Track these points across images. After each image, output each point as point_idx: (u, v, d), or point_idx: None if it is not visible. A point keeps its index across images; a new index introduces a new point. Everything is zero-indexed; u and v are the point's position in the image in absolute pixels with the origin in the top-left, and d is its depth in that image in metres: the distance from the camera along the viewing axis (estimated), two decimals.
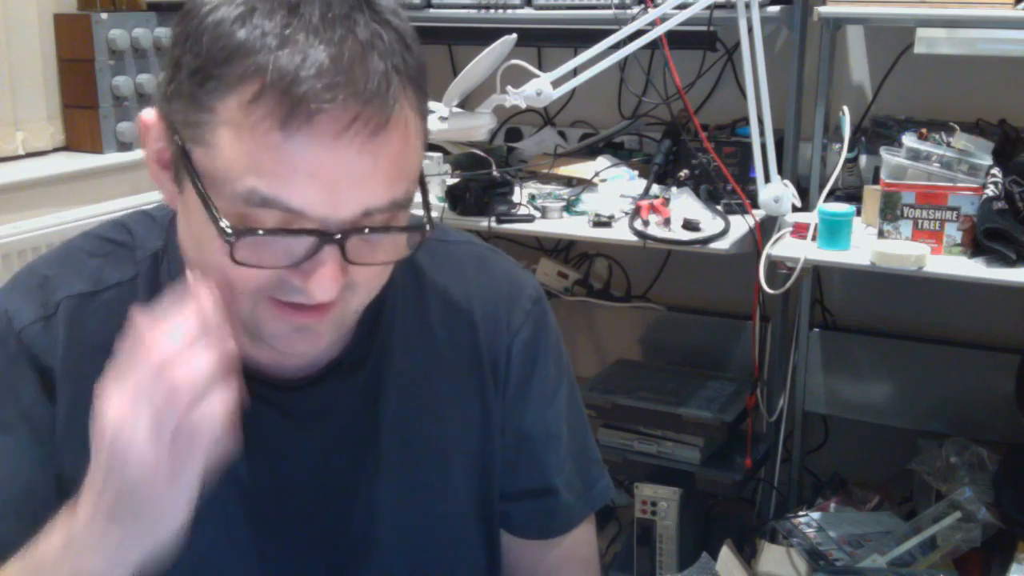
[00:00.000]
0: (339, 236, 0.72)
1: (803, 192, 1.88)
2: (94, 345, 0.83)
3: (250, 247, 0.72)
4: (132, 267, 0.87)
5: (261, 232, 0.71)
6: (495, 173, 1.97)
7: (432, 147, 2.10)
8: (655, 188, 1.97)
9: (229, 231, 0.71)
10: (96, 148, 2.20)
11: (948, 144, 1.70)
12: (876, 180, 1.83)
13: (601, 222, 1.86)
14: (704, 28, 1.88)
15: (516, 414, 0.96)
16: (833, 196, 1.87)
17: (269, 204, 0.71)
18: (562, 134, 2.38)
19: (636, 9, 1.90)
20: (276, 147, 0.69)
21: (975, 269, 1.62)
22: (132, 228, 0.91)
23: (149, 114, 0.78)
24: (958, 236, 1.65)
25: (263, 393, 0.85)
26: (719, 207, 1.88)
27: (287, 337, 0.78)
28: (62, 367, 0.84)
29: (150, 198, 1.96)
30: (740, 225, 1.83)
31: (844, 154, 1.82)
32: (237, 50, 0.70)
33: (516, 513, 0.99)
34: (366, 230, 0.73)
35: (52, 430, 0.85)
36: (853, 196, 1.86)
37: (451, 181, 1.99)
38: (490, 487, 0.96)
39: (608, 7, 1.95)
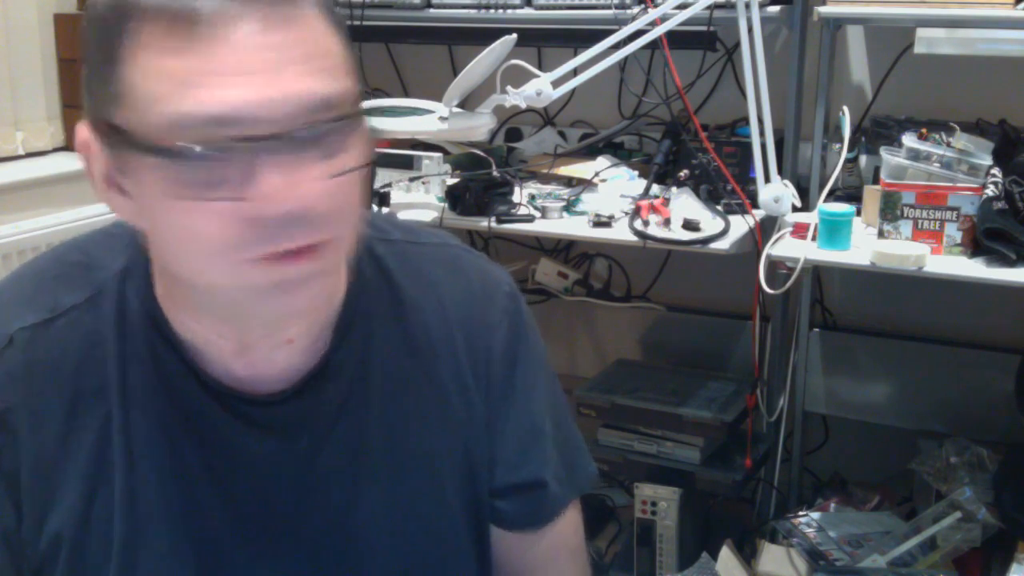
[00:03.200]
0: (273, 138, 0.70)
1: (803, 192, 1.88)
2: (55, 372, 0.82)
3: (190, 178, 0.70)
4: (88, 287, 0.85)
5: (198, 149, 0.69)
6: (495, 173, 1.97)
7: (432, 147, 2.10)
8: (655, 188, 1.97)
9: (162, 151, 0.69)
10: None
11: (948, 144, 1.70)
12: (876, 180, 1.83)
13: (601, 222, 1.86)
14: (704, 28, 1.88)
15: (500, 412, 0.96)
16: (833, 196, 1.87)
17: (200, 123, 0.68)
18: (562, 134, 2.38)
19: (636, 9, 1.90)
20: (185, 65, 0.69)
21: (975, 269, 1.62)
22: (88, 248, 0.88)
23: (82, 131, 0.76)
24: (958, 236, 1.65)
25: (243, 410, 0.84)
26: (719, 207, 1.88)
27: (273, 297, 0.74)
28: (21, 399, 0.82)
29: None
30: (740, 225, 1.83)
31: (844, 154, 1.82)
32: (116, 7, 0.71)
33: (505, 508, 0.99)
34: (301, 125, 0.71)
35: (16, 527, 0.83)
36: (853, 196, 1.86)
37: (451, 181, 1.99)
38: (477, 486, 0.96)
39: (608, 7, 1.95)
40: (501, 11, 2.08)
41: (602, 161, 2.10)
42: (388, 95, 2.42)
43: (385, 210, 1.93)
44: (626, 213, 1.87)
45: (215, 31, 0.69)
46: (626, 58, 1.78)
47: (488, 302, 0.96)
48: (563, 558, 1.04)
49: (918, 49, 1.88)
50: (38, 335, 0.83)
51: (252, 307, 0.76)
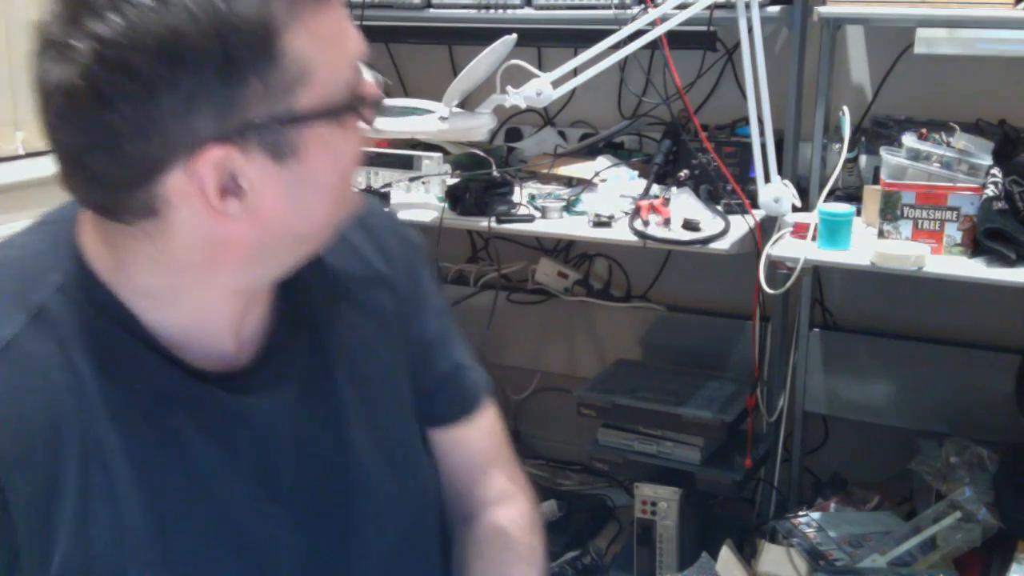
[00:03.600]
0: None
1: (803, 192, 1.88)
2: (21, 417, 0.75)
3: (354, 122, 0.80)
4: (23, 314, 0.78)
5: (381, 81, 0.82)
6: (495, 173, 1.97)
7: (432, 147, 2.10)
8: (655, 188, 1.97)
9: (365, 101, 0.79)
10: None
11: (948, 144, 1.70)
12: (876, 180, 1.83)
13: (601, 222, 1.86)
14: (704, 28, 1.88)
15: (419, 322, 1.02)
16: (833, 196, 1.87)
17: (360, 61, 0.79)
18: (562, 134, 2.38)
19: (636, 9, 1.90)
20: (330, 22, 0.76)
21: (975, 269, 1.62)
22: (18, 267, 0.82)
23: (205, 158, 0.72)
24: (958, 236, 1.65)
25: (232, 383, 0.84)
26: (719, 207, 1.88)
27: (354, 201, 0.86)
28: (4, 466, 0.75)
29: None
30: (740, 225, 1.83)
31: (844, 154, 1.82)
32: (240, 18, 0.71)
33: (437, 402, 1.04)
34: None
35: None
36: (853, 196, 1.86)
37: (451, 181, 1.99)
38: (417, 399, 1.03)
39: (608, 7, 1.95)
40: (501, 11, 2.07)
41: (602, 161, 2.10)
42: (388, 95, 2.42)
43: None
44: (626, 213, 1.87)
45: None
46: (626, 58, 1.78)
47: (386, 234, 1.02)
48: (498, 449, 1.09)
49: (918, 49, 1.88)
50: None
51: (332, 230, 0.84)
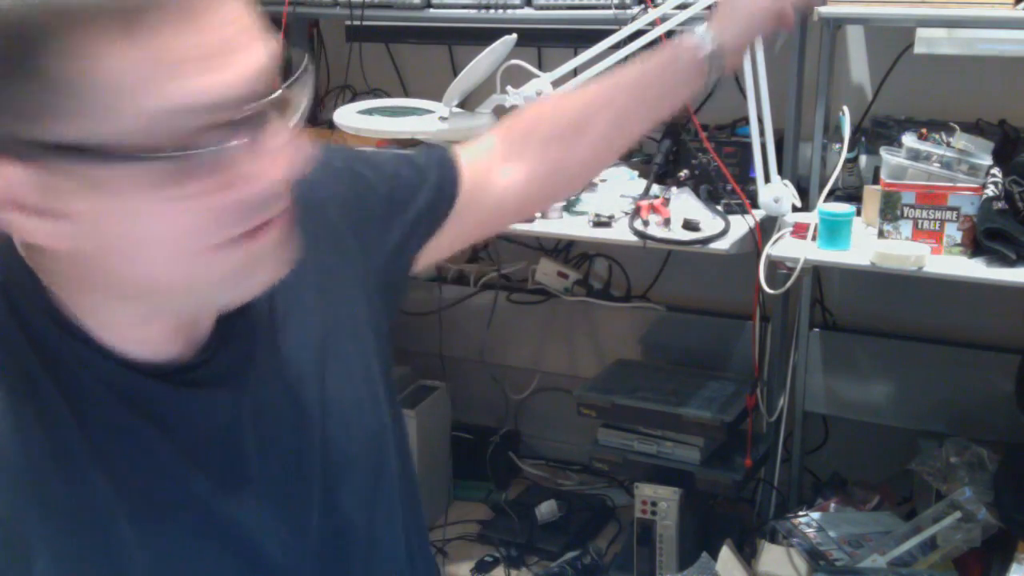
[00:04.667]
0: (261, 109, 0.66)
1: (803, 192, 1.88)
2: None
3: (182, 173, 0.64)
4: None
5: (198, 144, 0.63)
6: None
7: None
8: (655, 188, 1.97)
9: (158, 156, 0.62)
10: None
11: (948, 144, 1.70)
12: (876, 180, 1.83)
13: (601, 222, 1.86)
14: None
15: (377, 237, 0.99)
16: (833, 196, 1.87)
17: (203, 111, 0.63)
18: None
19: (636, 9, 1.90)
20: (158, 53, 0.61)
21: (975, 269, 1.62)
22: None
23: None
24: (958, 236, 1.65)
25: (185, 378, 0.80)
26: (719, 207, 1.88)
27: (245, 282, 0.72)
28: None
29: None
30: (740, 225, 1.83)
31: (844, 154, 1.82)
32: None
33: (424, 222, 1.02)
34: (279, 91, 0.68)
35: None
36: (853, 196, 1.86)
37: None
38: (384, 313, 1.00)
39: (608, 7, 1.95)
40: (501, 11, 2.07)
41: None
42: (388, 95, 2.42)
43: None
44: (626, 213, 1.87)
45: (193, 5, 0.63)
46: (626, 58, 1.78)
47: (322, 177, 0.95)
48: (478, 151, 1.09)
49: (918, 49, 1.88)
50: None
51: (216, 297, 0.73)
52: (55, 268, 0.73)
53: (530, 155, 1.10)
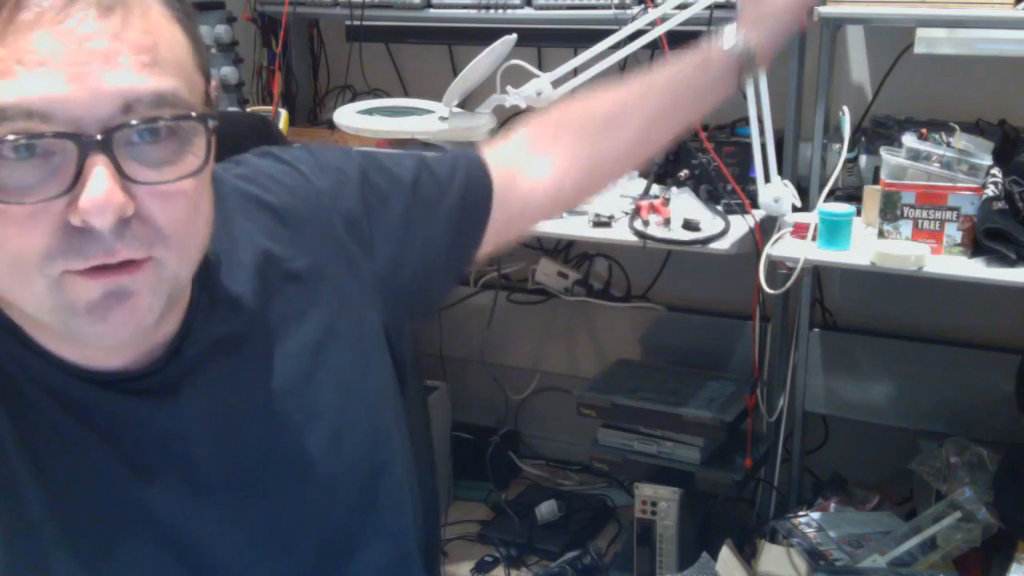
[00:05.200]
0: (100, 136, 0.65)
1: (803, 192, 1.88)
2: None
3: (5, 177, 0.64)
4: None
5: (17, 140, 0.63)
6: None
7: (432, 147, 2.10)
8: (655, 188, 1.97)
9: None
10: None
11: (948, 144, 1.70)
12: (876, 180, 1.83)
13: (601, 222, 1.86)
14: (704, 28, 1.88)
15: (384, 235, 0.96)
16: (833, 196, 1.87)
17: (10, 116, 0.63)
18: None
19: (636, 9, 1.91)
20: (3, 52, 0.63)
21: (975, 269, 1.62)
22: None
23: None
24: (958, 236, 1.65)
25: (136, 387, 0.78)
26: (719, 207, 1.88)
27: (104, 306, 0.69)
28: None
29: None
30: (740, 225, 1.83)
31: (844, 154, 1.82)
32: None
33: (454, 232, 1.00)
34: (131, 123, 0.66)
35: None
36: (853, 196, 1.86)
37: None
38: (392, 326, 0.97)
39: (608, 7, 1.95)
40: (501, 11, 2.07)
41: None
42: (388, 95, 2.42)
43: None
44: (626, 213, 1.87)
45: (41, 15, 0.63)
46: (626, 58, 1.78)
47: (305, 185, 0.94)
48: (506, 149, 1.08)
49: (918, 49, 1.88)
50: None
51: (82, 313, 0.69)
52: None
53: (562, 147, 1.09)
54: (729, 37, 1.13)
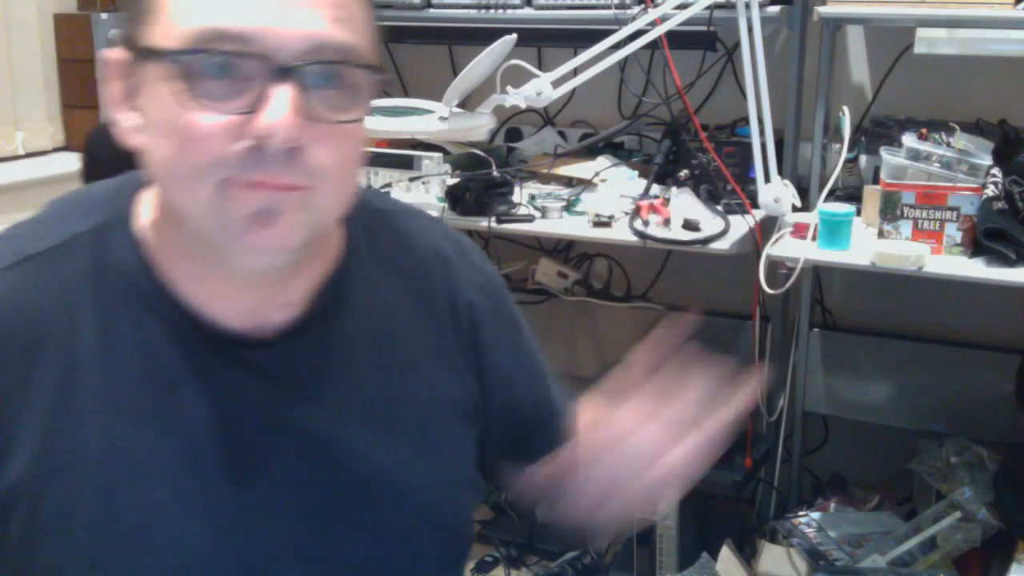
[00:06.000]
0: (290, 66, 0.74)
1: (803, 192, 1.88)
2: (15, 316, 0.81)
3: (203, 89, 0.74)
4: (56, 238, 0.85)
5: (205, 53, 0.73)
6: (495, 173, 1.97)
7: (432, 147, 2.10)
8: (655, 188, 1.97)
9: (177, 54, 0.73)
10: None
11: (948, 144, 1.70)
12: (876, 180, 1.83)
13: (601, 222, 1.86)
14: (704, 28, 1.88)
15: (493, 358, 0.99)
16: (833, 196, 1.87)
17: (217, 38, 0.73)
18: (562, 134, 2.38)
19: (636, 9, 1.90)
20: None
21: (975, 269, 1.62)
22: (61, 207, 0.90)
23: (111, 51, 0.81)
24: (958, 236, 1.65)
25: (241, 354, 0.84)
26: (719, 207, 1.88)
27: (257, 221, 0.76)
28: None
29: None
30: (740, 225, 1.83)
31: (844, 154, 1.82)
32: None
33: (531, 445, 1.00)
34: (317, 61, 0.75)
35: None
36: (853, 196, 1.86)
37: (451, 181, 1.99)
38: (475, 432, 0.99)
39: (608, 7, 1.95)
40: (501, 11, 2.08)
41: (602, 161, 2.10)
42: (388, 95, 2.42)
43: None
44: (626, 213, 1.87)
45: None
46: (626, 58, 1.78)
47: (463, 259, 0.99)
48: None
49: (918, 49, 1.88)
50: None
51: (232, 232, 0.76)
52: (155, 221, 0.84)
53: None
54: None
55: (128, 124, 0.81)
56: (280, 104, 0.73)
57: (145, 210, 0.86)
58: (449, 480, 0.96)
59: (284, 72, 0.74)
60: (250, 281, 0.83)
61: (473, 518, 1.01)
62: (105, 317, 0.82)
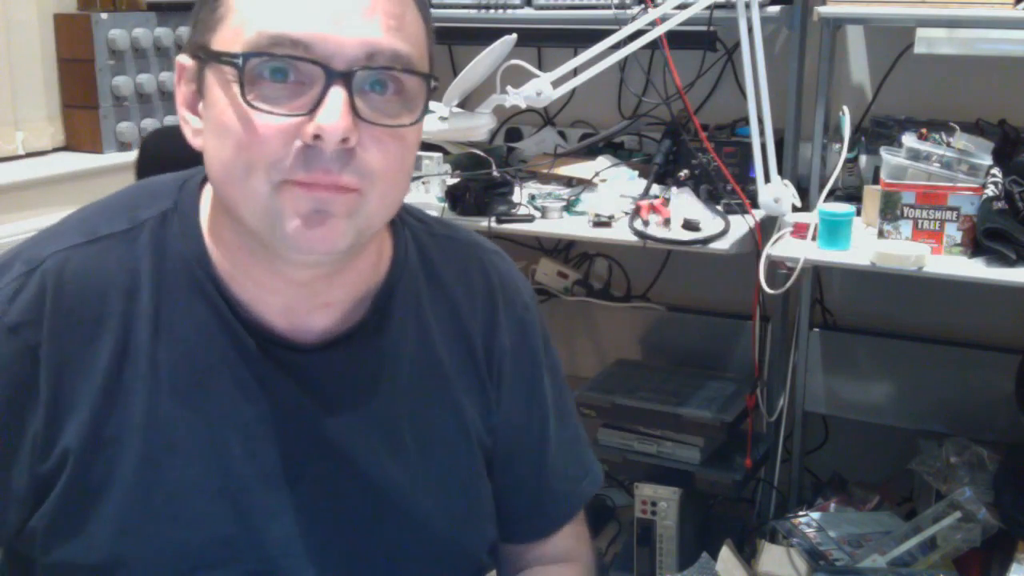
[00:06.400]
0: (345, 71, 0.77)
1: (803, 192, 1.88)
2: (81, 291, 0.85)
3: (262, 91, 0.78)
4: (127, 222, 0.89)
5: (266, 57, 0.77)
6: (495, 173, 1.97)
7: (432, 147, 2.10)
8: (655, 188, 1.97)
9: (239, 57, 0.77)
10: (96, 148, 2.20)
11: (948, 144, 1.70)
12: (876, 180, 1.83)
13: (601, 222, 1.86)
14: (704, 28, 1.88)
15: (506, 409, 1.01)
16: (833, 196, 1.87)
17: (278, 43, 0.77)
18: (562, 134, 2.38)
19: (636, 9, 1.90)
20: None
21: (975, 269, 1.62)
22: (134, 193, 0.94)
23: (183, 57, 0.86)
24: (958, 236, 1.65)
25: (280, 356, 0.87)
26: (719, 207, 1.88)
27: (308, 221, 0.79)
28: (47, 320, 0.84)
29: None
30: (740, 225, 1.83)
31: (844, 154, 1.82)
32: None
33: (511, 511, 1.02)
34: (371, 67, 0.78)
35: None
36: (853, 196, 1.86)
37: (451, 181, 1.99)
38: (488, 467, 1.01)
39: (608, 7, 1.95)
40: (501, 11, 2.08)
41: (602, 161, 2.10)
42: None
43: None
44: (626, 213, 1.87)
45: None
46: (626, 58, 1.78)
47: (508, 305, 1.02)
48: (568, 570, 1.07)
49: (918, 49, 1.88)
50: (71, 256, 0.87)
51: (287, 231, 0.79)
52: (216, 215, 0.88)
53: None
54: None
55: (193, 127, 0.85)
56: (334, 105, 0.77)
57: (205, 204, 0.90)
58: (471, 512, 0.98)
59: (339, 76, 0.77)
60: (296, 279, 0.86)
61: (490, 551, 1.02)
62: (160, 301, 0.86)
